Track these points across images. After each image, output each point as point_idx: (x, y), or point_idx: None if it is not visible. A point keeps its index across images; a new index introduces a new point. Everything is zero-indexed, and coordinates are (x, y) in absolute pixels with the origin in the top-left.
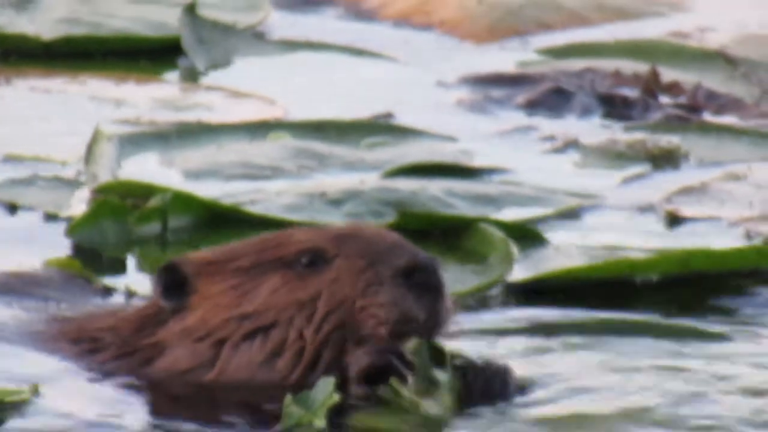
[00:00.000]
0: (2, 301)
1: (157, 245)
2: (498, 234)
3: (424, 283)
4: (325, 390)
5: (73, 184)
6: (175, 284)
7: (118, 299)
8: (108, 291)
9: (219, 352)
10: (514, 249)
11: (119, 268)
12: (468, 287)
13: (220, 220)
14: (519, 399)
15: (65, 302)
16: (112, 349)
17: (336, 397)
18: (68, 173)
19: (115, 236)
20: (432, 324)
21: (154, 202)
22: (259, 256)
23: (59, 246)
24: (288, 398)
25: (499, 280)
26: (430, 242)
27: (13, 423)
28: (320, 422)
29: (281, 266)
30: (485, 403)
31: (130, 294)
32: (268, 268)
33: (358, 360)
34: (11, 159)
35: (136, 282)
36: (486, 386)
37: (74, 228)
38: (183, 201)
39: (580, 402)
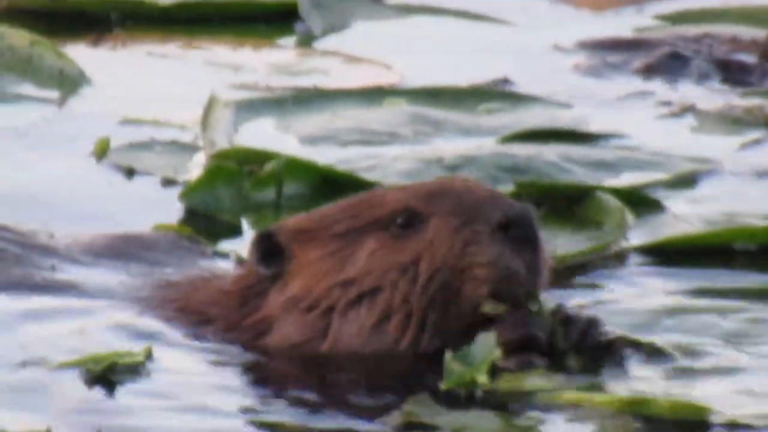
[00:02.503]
0: (110, 264)
1: (271, 211)
2: (614, 201)
3: (521, 236)
4: (486, 345)
5: (191, 149)
6: (271, 252)
7: (227, 264)
8: (217, 255)
9: (329, 322)
10: (630, 217)
11: (234, 233)
12: (580, 250)
13: (335, 186)
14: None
15: (172, 266)
16: (219, 323)
17: (498, 352)
18: (186, 138)
19: (230, 201)
20: (532, 278)
21: (269, 167)
22: (354, 220)
23: (175, 211)
24: (449, 355)
25: (609, 245)
26: (547, 209)
27: (127, 385)
28: (483, 378)
29: (376, 229)
30: (578, 353)
31: (239, 260)
32: (363, 232)
33: (505, 332)
34: (129, 122)
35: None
36: (581, 337)
37: (188, 192)
38: (298, 167)
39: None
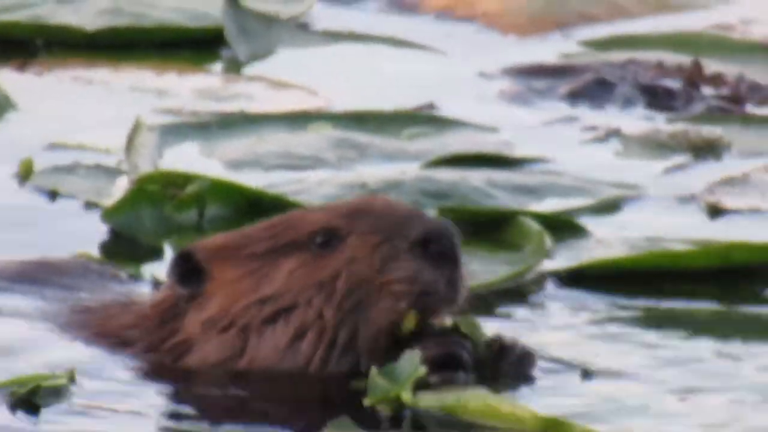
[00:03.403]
0: (25, 290)
1: (194, 233)
2: (534, 226)
3: (440, 252)
4: (411, 362)
5: (114, 173)
6: (190, 272)
7: (143, 287)
8: (133, 278)
9: (245, 341)
10: (549, 241)
11: (155, 255)
12: (499, 277)
13: (258, 209)
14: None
15: (86, 291)
16: (139, 345)
17: (423, 370)
18: (110, 162)
19: (152, 223)
20: (451, 293)
21: (191, 189)
22: (273, 240)
23: (97, 234)
24: (373, 371)
25: (528, 270)
26: (469, 234)
27: (52, 407)
28: (407, 395)
29: (296, 248)
30: (511, 380)
31: (156, 283)
32: (282, 252)
33: (428, 348)
34: (54, 147)
35: None
36: (515, 365)
37: (110, 213)
38: (220, 189)
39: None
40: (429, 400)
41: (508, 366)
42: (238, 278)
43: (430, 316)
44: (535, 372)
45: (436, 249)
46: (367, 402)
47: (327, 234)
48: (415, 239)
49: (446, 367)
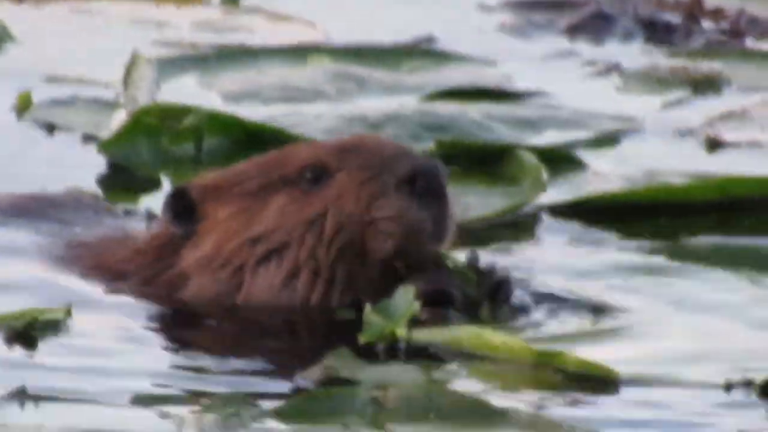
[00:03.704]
0: (20, 224)
1: (191, 166)
2: (532, 160)
3: (428, 190)
4: (405, 299)
5: (113, 106)
6: (185, 209)
7: (137, 222)
8: (127, 213)
9: (241, 279)
10: (545, 174)
11: (152, 188)
12: (495, 210)
13: (256, 142)
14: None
15: (80, 225)
16: (135, 279)
17: (417, 306)
18: (108, 95)
19: (149, 156)
20: (439, 231)
21: (189, 121)
22: (264, 177)
23: (95, 167)
24: (368, 308)
25: (525, 204)
26: (467, 167)
27: (47, 342)
28: (402, 331)
29: (286, 185)
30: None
31: (150, 217)
32: (273, 188)
33: (420, 285)
34: (52, 80)
35: None
36: (492, 292)
37: (107, 145)
38: (218, 121)
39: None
40: (423, 336)
41: (487, 289)
42: (230, 216)
43: (418, 253)
44: (516, 298)
45: (423, 187)
46: (362, 339)
47: (316, 170)
48: (402, 177)
49: (436, 303)
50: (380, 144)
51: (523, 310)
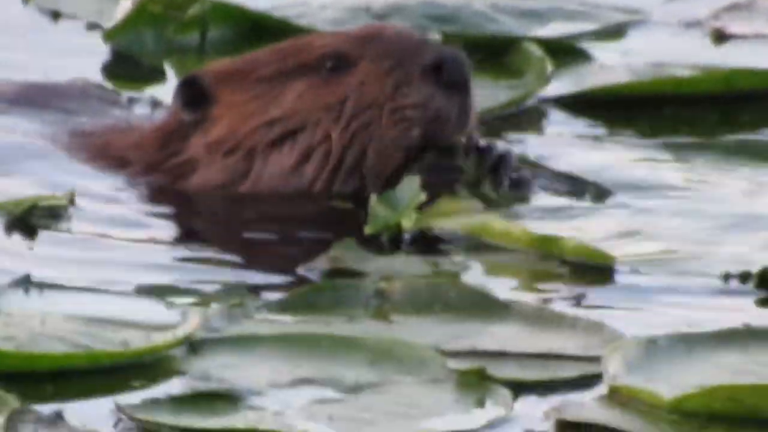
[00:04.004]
0: (24, 112)
1: (195, 56)
2: (536, 52)
3: (452, 80)
4: (410, 189)
5: None
6: (196, 97)
7: (142, 111)
8: (132, 102)
9: (250, 164)
10: (550, 67)
11: (157, 77)
12: (500, 102)
13: (261, 32)
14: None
15: (86, 114)
16: (139, 166)
17: (422, 196)
18: None
19: (154, 44)
20: (462, 121)
21: (194, 10)
22: (281, 63)
23: (99, 55)
24: (373, 199)
25: (528, 96)
26: (472, 60)
27: (48, 231)
28: (408, 222)
29: (305, 72)
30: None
31: (155, 105)
32: (291, 75)
33: (422, 167)
34: None
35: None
36: (493, 167)
37: (112, 34)
38: (223, 10)
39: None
40: (425, 222)
41: (488, 167)
42: (245, 101)
43: (440, 142)
44: (516, 174)
45: (448, 76)
46: (367, 231)
47: (337, 58)
48: (427, 65)
49: (441, 184)
50: (402, 33)
51: (523, 185)
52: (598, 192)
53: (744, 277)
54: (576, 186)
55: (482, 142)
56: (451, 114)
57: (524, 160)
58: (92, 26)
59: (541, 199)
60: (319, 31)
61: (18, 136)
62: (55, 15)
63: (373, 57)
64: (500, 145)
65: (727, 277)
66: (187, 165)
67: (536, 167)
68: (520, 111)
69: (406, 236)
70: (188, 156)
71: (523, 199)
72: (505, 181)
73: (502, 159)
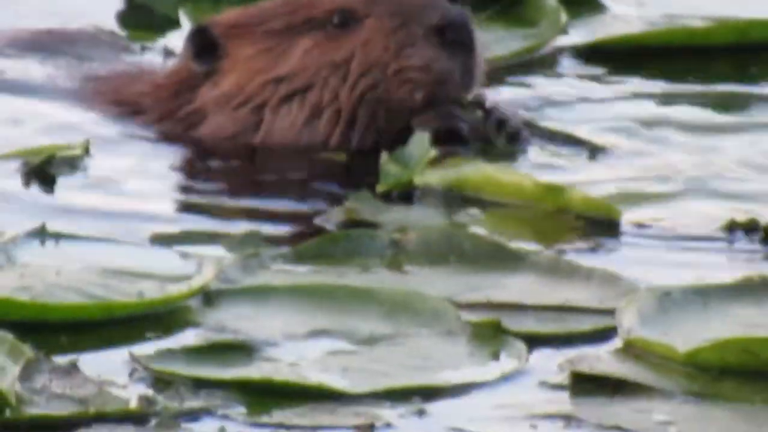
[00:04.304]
0: (34, 58)
1: (210, 3)
2: (550, 1)
3: (457, 40)
4: (421, 145)
5: None
6: (205, 47)
7: (154, 58)
8: (143, 49)
9: (260, 117)
10: (564, 16)
11: (171, 25)
12: (513, 50)
13: None
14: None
15: (97, 60)
16: (152, 113)
17: (433, 152)
18: None
19: None
20: (466, 82)
21: None
22: (289, 17)
23: (114, 3)
24: (384, 156)
25: (541, 45)
26: (486, 9)
27: (65, 179)
28: (419, 178)
29: (312, 27)
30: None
31: (167, 53)
32: (298, 30)
33: (425, 123)
34: None
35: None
36: (500, 125)
37: None
38: None
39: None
40: (433, 176)
41: (494, 125)
42: (253, 55)
43: (445, 102)
44: (523, 132)
45: (453, 36)
46: (379, 188)
47: (344, 14)
48: (432, 26)
49: (447, 140)
50: None
51: (529, 142)
52: (593, 150)
53: (750, 227)
54: (574, 145)
55: (487, 102)
56: (455, 74)
57: (529, 123)
58: None
59: (539, 154)
60: None
61: (31, 81)
62: None
63: (379, 15)
64: (504, 108)
65: (731, 226)
66: (198, 114)
67: (536, 127)
68: (533, 59)
69: (417, 192)
70: (199, 106)
71: (521, 152)
72: (513, 141)
73: (502, 122)
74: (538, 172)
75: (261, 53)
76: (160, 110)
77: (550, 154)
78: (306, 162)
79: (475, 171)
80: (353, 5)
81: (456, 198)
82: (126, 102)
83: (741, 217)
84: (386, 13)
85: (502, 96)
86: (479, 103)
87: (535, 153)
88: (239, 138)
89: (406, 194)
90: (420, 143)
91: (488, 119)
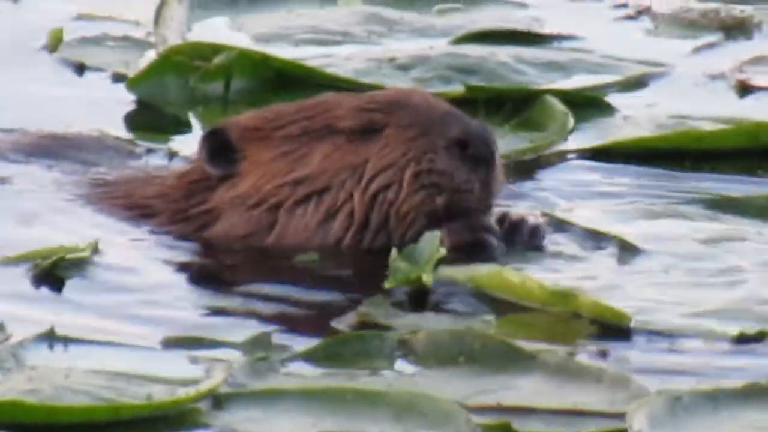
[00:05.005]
0: (43, 163)
1: (219, 105)
2: (558, 104)
3: (477, 154)
4: (431, 244)
5: (143, 45)
6: (220, 149)
7: (160, 161)
8: (149, 153)
9: (275, 218)
10: (572, 120)
11: (180, 126)
12: (518, 151)
13: (285, 81)
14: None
15: (103, 164)
16: (164, 215)
17: (443, 251)
18: (138, 34)
19: (177, 93)
20: (486, 197)
21: (218, 59)
22: (309, 122)
23: (124, 106)
24: (394, 253)
25: (547, 146)
26: (495, 110)
27: (74, 281)
28: (428, 277)
29: (332, 133)
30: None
31: (171, 155)
32: (318, 135)
33: (454, 234)
34: (83, 18)
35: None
36: (527, 238)
37: (135, 81)
38: (247, 60)
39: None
40: (445, 274)
41: (521, 240)
42: (272, 159)
43: (463, 212)
44: (546, 243)
45: (474, 150)
46: (387, 284)
47: (365, 122)
48: (452, 138)
49: (476, 252)
50: (430, 103)
51: (539, 236)
52: (619, 248)
53: (759, 336)
54: (596, 240)
55: (514, 215)
56: (474, 188)
57: (550, 218)
58: (118, 77)
59: (558, 251)
60: (344, 86)
61: (37, 185)
62: (81, 65)
63: (400, 124)
64: (531, 216)
65: (741, 336)
66: (212, 214)
67: (557, 220)
68: (540, 160)
69: (427, 290)
70: (213, 205)
71: (539, 250)
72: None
73: (535, 231)
74: (558, 270)
75: (280, 157)
76: (172, 211)
77: (575, 251)
78: (319, 261)
79: (487, 272)
80: (373, 114)
81: (468, 297)
82: (137, 205)
83: (750, 329)
84: (407, 123)
85: (511, 199)
86: (508, 221)
87: (557, 250)
88: (252, 238)
89: (418, 295)
90: (431, 242)
91: (504, 223)
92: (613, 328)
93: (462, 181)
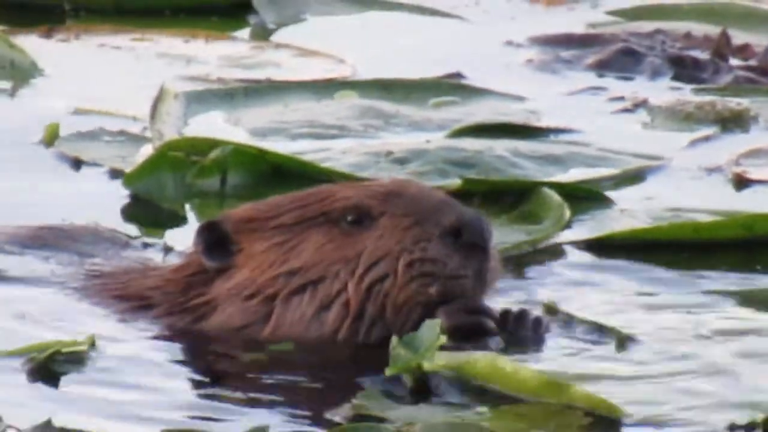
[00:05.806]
0: (36, 254)
1: (215, 200)
2: (555, 197)
3: (472, 243)
4: (431, 331)
5: (139, 140)
6: (216, 242)
7: (155, 254)
8: (144, 245)
9: (271, 309)
10: (568, 213)
11: (177, 221)
12: (513, 244)
13: (281, 176)
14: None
15: (101, 257)
16: (162, 307)
17: (443, 339)
18: (135, 129)
19: (174, 189)
20: (480, 286)
21: (214, 155)
22: (303, 212)
23: (120, 201)
24: (395, 340)
25: (543, 238)
26: (492, 203)
27: (70, 375)
28: (428, 365)
29: (326, 223)
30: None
31: (167, 249)
32: (312, 225)
33: (450, 316)
34: (79, 113)
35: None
36: (531, 331)
37: (131, 177)
38: (243, 155)
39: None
40: (439, 363)
41: (525, 333)
42: (266, 249)
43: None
44: (549, 334)
45: (468, 239)
46: (388, 372)
47: (359, 212)
48: (447, 227)
49: (473, 335)
50: (424, 192)
51: (539, 327)
52: (619, 339)
53: (750, 427)
54: (592, 332)
55: (515, 309)
56: (468, 278)
57: (550, 309)
58: (114, 173)
59: (555, 343)
60: (340, 180)
61: (34, 277)
62: (77, 160)
63: (394, 214)
64: (530, 312)
65: (733, 428)
66: (209, 306)
67: (555, 312)
68: (537, 253)
69: (426, 378)
70: (210, 297)
71: (539, 341)
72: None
73: (539, 322)
74: (554, 360)
75: (274, 247)
76: (169, 303)
77: (575, 342)
78: (315, 352)
79: (483, 362)
80: (368, 203)
81: (462, 387)
82: (134, 297)
83: (741, 419)
84: (401, 212)
85: (508, 291)
86: (510, 315)
87: (559, 342)
88: (248, 330)
89: (417, 384)
90: (431, 329)
91: (508, 317)
92: (606, 421)
93: (455, 268)
